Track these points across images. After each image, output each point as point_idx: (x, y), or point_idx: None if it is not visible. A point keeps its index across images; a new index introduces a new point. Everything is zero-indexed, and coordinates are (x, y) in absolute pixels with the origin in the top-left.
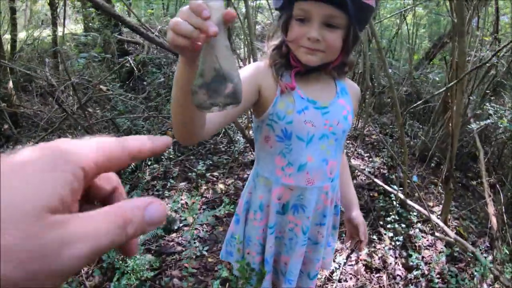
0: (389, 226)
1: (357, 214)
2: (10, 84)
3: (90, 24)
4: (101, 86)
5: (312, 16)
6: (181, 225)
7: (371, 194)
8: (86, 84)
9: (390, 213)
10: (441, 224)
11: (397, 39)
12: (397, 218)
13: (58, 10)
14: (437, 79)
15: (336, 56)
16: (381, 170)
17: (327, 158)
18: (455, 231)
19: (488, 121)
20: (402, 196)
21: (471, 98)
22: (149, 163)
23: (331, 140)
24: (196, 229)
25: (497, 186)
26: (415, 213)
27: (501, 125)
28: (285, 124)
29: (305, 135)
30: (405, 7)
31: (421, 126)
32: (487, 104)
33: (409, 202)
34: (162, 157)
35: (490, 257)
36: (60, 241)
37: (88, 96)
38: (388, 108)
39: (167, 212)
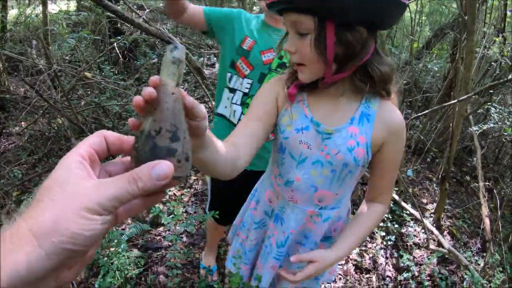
0: (381, 224)
1: (320, 252)
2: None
3: (82, 2)
4: (86, 73)
5: (287, 28)
6: (169, 218)
7: (364, 189)
8: (71, 72)
9: None
10: (435, 232)
11: (397, 25)
12: (390, 216)
13: None
14: (436, 69)
15: (319, 66)
16: None
17: (317, 185)
18: (447, 230)
19: (491, 124)
20: (396, 197)
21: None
22: None
23: (325, 170)
24: (181, 221)
25: (491, 184)
26: (408, 211)
27: (505, 133)
28: (282, 139)
29: (297, 155)
30: None
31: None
32: (489, 104)
33: (403, 204)
34: None
35: (482, 262)
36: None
37: (71, 84)
38: None
39: (172, 169)
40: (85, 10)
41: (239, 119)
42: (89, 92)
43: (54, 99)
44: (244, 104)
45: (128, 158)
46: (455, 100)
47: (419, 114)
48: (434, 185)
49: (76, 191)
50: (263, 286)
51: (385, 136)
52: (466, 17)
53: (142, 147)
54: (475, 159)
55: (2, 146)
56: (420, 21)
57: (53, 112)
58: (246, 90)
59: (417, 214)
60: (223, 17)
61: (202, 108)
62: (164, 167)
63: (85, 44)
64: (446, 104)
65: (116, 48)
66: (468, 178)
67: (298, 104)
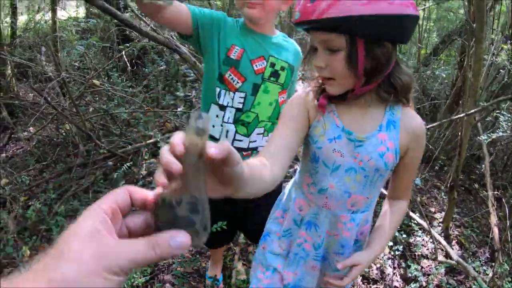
0: None
1: (360, 255)
2: (9, 70)
3: (91, 9)
4: (94, 81)
5: (316, 44)
6: None
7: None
8: (79, 80)
9: None
10: (444, 242)
11: None
12: (398, 226)
13: None
14: (444, 75)
15: (350, 80)
16: None
17: (350, 191)
18: (456, 240)
19: (500, 133)
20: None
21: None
22: (146, 157)
23: (359, 176)
24: None
25: (500, 193)
26: (415, 221)
27: None
28: (316, 149)
29: (331, 163)
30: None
31: (426, 124)
32: (498, 111)
33: (411, 213)
34: (159, 151)
35: (491, 272)
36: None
37: (80, 92)
38: None
39: (190, 240)
40: (94, 17)
41: (234, 139)
42: (97, 99)
43: (62, 107)
44: (238, 122)
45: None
46: (463, 114)
47: (428, 126)
48: (443, 193)
49: (98, 249)
50: (305, 285)
51: (410, 141)
52: (474, 25)
53: (163, 215)
54: (483, 166)
55: (11, 151)
56: (428, 27)
57: (61, 118)
58: (239, 106)
59: (424, 224)
60: (211, 20)
61: (233, 156)
62: (183, 238)
63: (94, 51)
64: (455, 117)
65: (124, 56)
66: (476, 186)
67: (329, 114)
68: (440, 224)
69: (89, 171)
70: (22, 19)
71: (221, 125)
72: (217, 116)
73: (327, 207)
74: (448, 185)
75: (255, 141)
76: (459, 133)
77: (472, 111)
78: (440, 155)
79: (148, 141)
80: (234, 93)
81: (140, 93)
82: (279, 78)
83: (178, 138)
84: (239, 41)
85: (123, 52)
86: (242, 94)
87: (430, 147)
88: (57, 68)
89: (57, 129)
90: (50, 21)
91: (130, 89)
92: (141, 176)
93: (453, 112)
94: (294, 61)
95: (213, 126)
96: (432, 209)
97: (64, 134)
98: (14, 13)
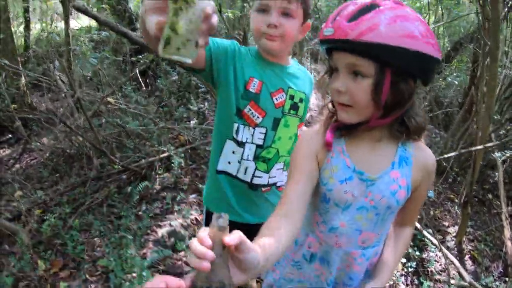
0: None
1: (371, 285)
2: (23, 81)
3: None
4: (108, 99)
5: (338, 66)
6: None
7: None
8: (94, 99)
9: None
10: (457, 263)
11: None
12: (411, 242)
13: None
14: (456, 82)
15: (368, 110)
16: None
17: (361, 229)
18: (469, 255)
19: None
20: (418, 225)
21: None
22: (159, 171)
23: (370, 214)
24: None
25: None
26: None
27: None
28: (326, 190)
29: (342, 203)
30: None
31: (438, 132)
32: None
33: (425, 233)
34: (173, 165)
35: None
36: None
37: (94, 110)
38: None
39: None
40: (107, 29)
41: (253, 176)
42: (110, 113)
43: (76, 124)
44: (258, 158)
45: None
46: (480, 147)
47: (446, 156)
48: (456, 206)
49: None
50: None
51: (422, 177)
52: (489, 43)
53: None
54: (497, 175)
55: (24, 162)
56: (438, 31)
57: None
58: (260, 142)
59: (437, 242)
60: (225, 52)
61: (245, 244)
62: None
63: (107, 64)
64: (472, 149)
65: (137, 71)
66: (490, 196)
67: (339, 155)
68: (453, 238)
69: (103, 184)
70: (35, 27)
71: (239, 162)
72: (233, 152)
73: (337, 245)
74: (462, 200)
75: (274, 176)
76: (473, 153)
77: (489, 144)
78: (453, 166)
79: (161, 155)
80: (254, 128)
81: (153, 105)
82: (298, 110)
83: (204, 233)
84: (257, 72)
85: (137, 69)
86: (263, 130)
87: (444, 156)
88: (72, 86)
89: (70, 141)
90: (63, 31)
91: (143, 99)
92: (154, 191)
93: (467, 121)
94: (309, 91)
95: (229, 163)
96: (446, 223)
97: (77, 145)
98: (27, 27)
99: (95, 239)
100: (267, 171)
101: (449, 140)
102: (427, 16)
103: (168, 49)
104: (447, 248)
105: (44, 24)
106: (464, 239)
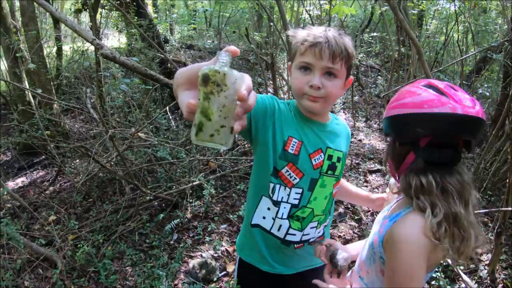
0: (433, 282)
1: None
2: (56, 105)
3: (133, 44)
4: (139, 134)
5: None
6: (220, 275)
7: None
8: (125, 134)
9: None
10: None
11: (444, 50)
12: (442, 274)
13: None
14: (488, 94)
15: None
16: None
17: None
18: (502, 284)
19: None
20: (449, 261)
21: None
22: (190, 200)
23: None
24: (233, 277)
25: None
26: (461, 267)
27: None
28: None
29: None
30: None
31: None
32: None
33: (460, 273)
34: (204, 193)
35: None
36: None
37: (126, 145)
38: None
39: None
40: (136, 53)
41: (287, 233)
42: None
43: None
44: (292, 217)
45: None
46: None
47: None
48: (490, 233)
49: None
50: None
51: None
52: None
53: None
54: None
55: (58, 184)
56: (466, 40)
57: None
58: (295, 202)
59: (469, 281)
60: (265, 109)
61: None
62: None
63: (138, 89)
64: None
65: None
66: None
67: None
68: (486, 267)
69: (135, 211)
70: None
71: (273, 219)
72: (268, 208)
73: None
74: (496, 231)
75: (308, 234)
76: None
77: None
78: (487, 187)
79: (193, 184)
80: (291, 189)
81: (183, 130)
82: (336, 170)
83: None
84: (296, 132)
85: (167, 108)
86: (299, 190)
87: (477, 175)
88: (103, 124)
89: (103, 171)
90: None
91: (174, 125)
92: (186, 219)
93: (500, 139)
94: (346, 147)
95: (264, 218)
96: (479, 250)
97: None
98: (59, 56)
99: (127, 268)
100: (301, 230)
101: (483, 157)
102: (455, 25)
103: (201, 136)
104: (480, 278)
105: (75, 46)
106: (497, 267)
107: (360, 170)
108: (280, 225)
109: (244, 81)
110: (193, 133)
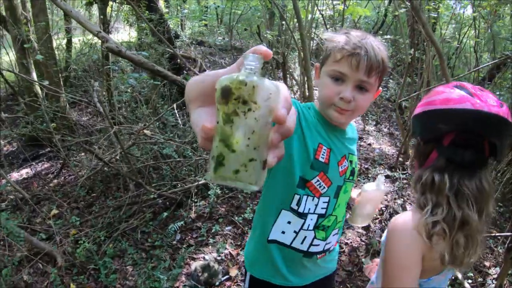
0: None
1: None
2: (63, 100)
3: (143, 38)
4: (145, 131)
5: None
6: (223, 279)
7: None
8: (130, 131)
9: None
10: None
11: (457, 56)
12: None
13: (110, 25)
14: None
15: None
16: None
17: None
18: None
19: None
20: (459, 275)
21: None
22: (195, 199)
23: None
24: (239, 285)
25: None
26: (470, 280)
27: None
28: None
29: None
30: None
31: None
32: None
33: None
34: (209, 193)
35: None
36: None
37: (131, 142)
38: None
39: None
40: (146, 48)
41: (311, 244)
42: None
43: (114, 158)
44: (318, 228)
45: None
46: None
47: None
48: (499, 246)
49: None
50: None
51: None
52: None
53: None
54: None
55: (62, 177)
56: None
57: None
58: (323, 211)
59: None
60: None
61: None
62: None
63: (146, 84)
64: None
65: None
66: None
67: None
68: (493, 281)
69: (138, 209)
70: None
71: (295, 232)
72: (289, 222)
73: None
74: (506, 245)
75: (330, 242)
76: None
77: None
78: (497, 198)
79: (198, 183)
80: (319, 198)
81: (190, 128)
82: (355, 175)
83: None
84: (324, 139)
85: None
86: (326, 199)
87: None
88: (109, 121)
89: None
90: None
91: (181, 122)
92: (190, 219)
93: None
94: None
95: (283, 233)
96: (487, 263)
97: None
98: (68, 49)
99: (128, 267)
100: (325, 239)
101: (495, 167)
102: (468, 30)
103: (222, 172)
104: None
105: (84, 39)
106: (505, 281)
107: (369, 175)
108: (305, 237)
109: (280, 95)
110: (211, 168)
